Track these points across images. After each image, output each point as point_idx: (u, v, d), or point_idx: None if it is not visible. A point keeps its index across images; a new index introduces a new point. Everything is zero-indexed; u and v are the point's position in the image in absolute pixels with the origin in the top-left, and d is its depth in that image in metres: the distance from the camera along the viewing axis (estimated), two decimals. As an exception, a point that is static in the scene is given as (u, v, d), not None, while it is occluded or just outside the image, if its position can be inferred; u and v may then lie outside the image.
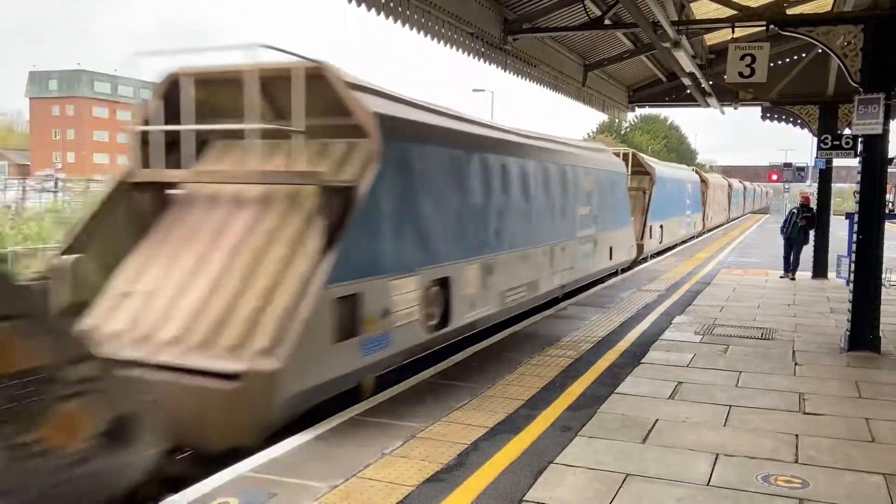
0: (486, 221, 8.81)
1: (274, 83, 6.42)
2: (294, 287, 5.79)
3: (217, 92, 6.77)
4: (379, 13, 7.94)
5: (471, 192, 8.38)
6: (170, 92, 6.74)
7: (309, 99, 6.08)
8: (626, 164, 17.84)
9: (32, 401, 3.16)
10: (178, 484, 4.52)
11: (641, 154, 21.93)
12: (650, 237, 20.13)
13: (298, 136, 6.19)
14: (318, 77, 6.28)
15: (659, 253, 21.57)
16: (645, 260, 19.62)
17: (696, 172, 31.69)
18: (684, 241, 25.90)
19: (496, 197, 9.06)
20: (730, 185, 43.44)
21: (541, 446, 5.23)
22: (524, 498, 4.36)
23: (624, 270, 16.65)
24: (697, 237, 29.42)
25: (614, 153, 17.27)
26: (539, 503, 4.30)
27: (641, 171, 20.36)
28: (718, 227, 37.28)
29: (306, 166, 6.33)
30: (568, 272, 12.13)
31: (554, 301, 11.50)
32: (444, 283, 7.74)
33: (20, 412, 3.11)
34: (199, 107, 6.58)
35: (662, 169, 22.77)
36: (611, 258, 15.00)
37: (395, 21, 8.27)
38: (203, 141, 7.18)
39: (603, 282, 14.62)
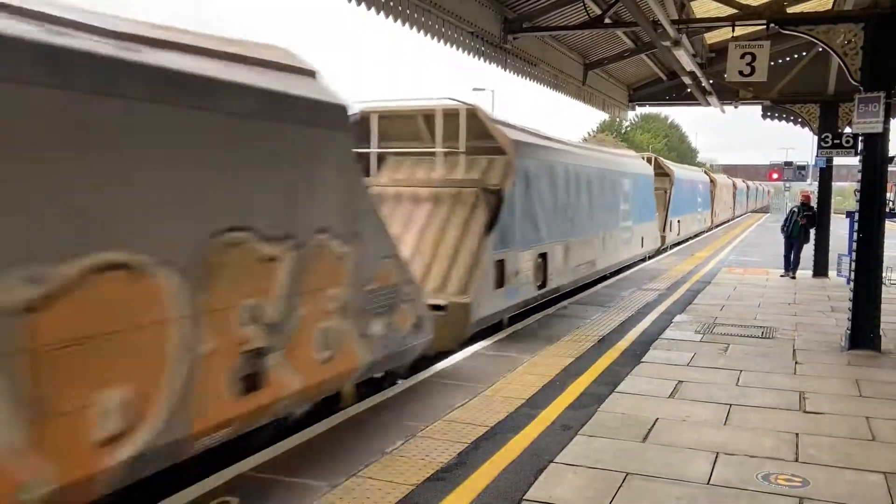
0: (566, 214, 11.91)
1: (433, 118, 9.45)
2: (470, 254, 8.90)
3: (392, 123, 9.82)
4: (379, 12, 7.93)
5: (558, 192, 11.45)
6: (360, 122, 9.49)
7: (465, 129, 9.25)
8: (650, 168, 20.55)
9: (394, 300, 6.40)
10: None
11: (662, 158, 24.89)
12: (670, 230, 23.20)
13: (461, 155, 9.38)
14: (472, 115, 9.36)
15: (677, 244, 24.38)
16: (666, 249, 22.36)
17: (706, 174, 35.06)
18: (696, 235, 28.69)
19: (571, 196, 12.14)
20: (734, 185, 46.05)
21: (541, 445, 5.23)
22: (524, 497, 4.36)
23: (651, 258, 19.59)
24: (707, 232, 31.89)
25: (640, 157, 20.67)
26: (539, 502, 4.30)
27: (663, 174, 23.11)
28: (725, 223, 40.00)
29: (468, 174, 9.54)
30: (613, 255, 15.33)
31: (568, 294, 12.49)
32: (544, 257, 10.90)
33: (389, 305, 6.33)
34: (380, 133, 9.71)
35: (679, 171, 25.71)
36: (642, 246, 18.30)
37: (396, 20, 8.26)
38: (380, 157, 10.06)
39: (631, 267, 17.11)
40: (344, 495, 4.33)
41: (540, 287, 10.81)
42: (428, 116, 9.55)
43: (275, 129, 4.92)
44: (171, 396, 4.04)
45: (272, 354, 4.84)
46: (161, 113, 4.04)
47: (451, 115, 9.33)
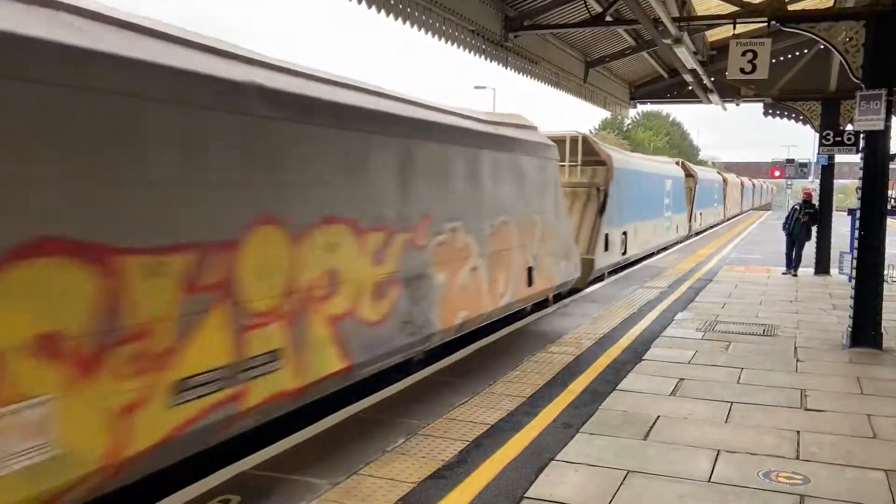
0: (636, 205, 17.75)
1: (568, 141, 14.83)
2: (591, 229, 14.66)
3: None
4: (380, 11, 7.93)
5: (632, 190, 17.03)
6: None
7: (582, 148, 14.88)
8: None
9: (568, 251, 12.35)
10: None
11: (688, 163, 30.82)
12: (695, 221, 28.95)
13: (578, 166, 15.02)
14: (584, 140, 15.24)
15: (699, 232, 29.68)
16: (691, 236, 27.38)
17: (719, 174, 40.98)
18: (712, 227, 33.78)
19: (640, 192, 18.15)
20: (742, 183, 51.89)
21: (542, 443, 5.23)
22: (525, 495, 4.36)
23: (679, 242, 24.63)
24: (721, 224, 37.10)
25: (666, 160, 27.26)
26: (540, 500, 4.30)
27: (689, 174, 28.09)
28: (735, 216, 45.62)
29: (586, 179, 15.20)
30: (661, 237, 21.44)
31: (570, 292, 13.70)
32: (625, 234, 16.57)
33: (566, 254, 12.07)
34: None
35: (701, 173, 31.82)
36: (677, 232, 24.14)
37: (397, 19, 8.26)
38: None
39: (667, 249, 22.00)
40: (345, 493, 4.33)
41: (623, 254, 16.60)
42: (560, 141, 13.75)
43: (531, 161, 10.42)
44: (516, 280, 9.71)
45: (535, 270, 10.38)
46: (506, 158, 9.55)
47: (574, 140, 14.89)
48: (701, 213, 29.81)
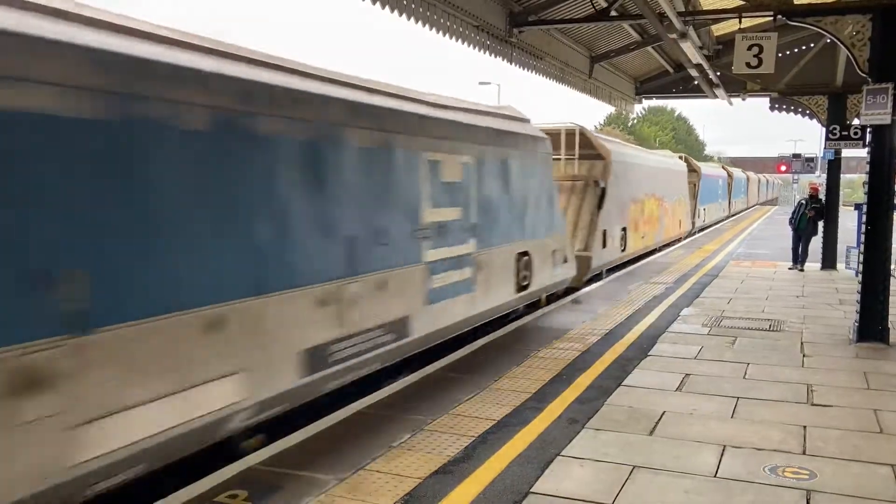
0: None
1: (562, 135, 14.54)
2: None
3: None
4: (384, 7, 7.93)
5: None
6: None
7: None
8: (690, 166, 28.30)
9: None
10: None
11: (691, 158, 31.08)
12: (698, 217, 29.45)
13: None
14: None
15: (702, 228, 29.99)
16: (694, 233, 27.75)
17: (724, 169, 41.79)
18: (717, 222, 34.50)
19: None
20: (748, 178, 52.27)
21: (548, 439, 5.24)
22: (531, 490, 4.37)
23: (685, 237, 25.30)
24: (726, 219, 37.85)
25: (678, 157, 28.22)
26: (546, 495, 4.31)
27: (691, 169, 28.16)
28: (741, 211, 45.93)
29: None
30: (667, 232, 21.98)
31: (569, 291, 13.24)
32: (624, 231, 16.28)
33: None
34: None
35: (705, 168, 32.96)
36: (679, 228, 24.39)
37: (401, 14, 8.26)
38: None
39: (669, 245, 22.30)
40: (351, 489, 4.35)
41: (622, 251, 16.31)
42: (554, 134, 13.37)
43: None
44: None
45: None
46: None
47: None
48: (705, 209, 30.16)
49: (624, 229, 16.13)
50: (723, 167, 41.98)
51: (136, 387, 4.00)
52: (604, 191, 14.46)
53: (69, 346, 3.62)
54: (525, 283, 9.80)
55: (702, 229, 29.35)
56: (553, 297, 11.61)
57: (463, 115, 8.34)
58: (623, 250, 16.24)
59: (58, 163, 3.66)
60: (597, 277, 14.29)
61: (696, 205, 27.80)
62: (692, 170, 27.63)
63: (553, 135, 12.65)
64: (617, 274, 14.96)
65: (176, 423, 4.27)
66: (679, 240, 23.85)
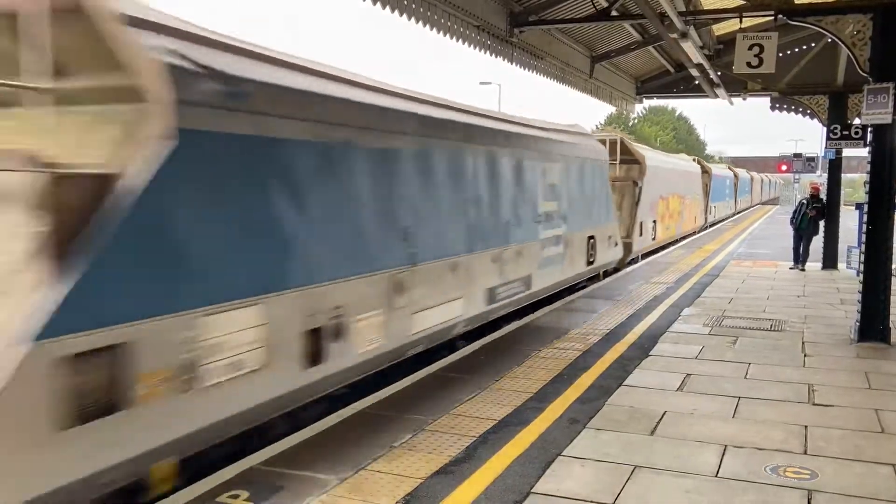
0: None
1: (606, 143, 15.78)
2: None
3: None
4: (385, 7, 7.94)
5: (660, 186, 19.80)
6: None
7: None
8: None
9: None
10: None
11: (702, 161, 34.11)
12: (710, 213, 32.01)
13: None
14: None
15: (713, 223, 32.46)
16: (706, 227, 30.68)
17: (730, 169, 44.62)
18: (725, 218, 37.02)
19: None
20: (752, 178, 55.61)
21: (549, 439, 5.24)
22: (532, 490, 4.37)
23: (696, 232, 28.03)
24: (732, 216, 41.01)
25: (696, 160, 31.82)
26: (547, 495, 4.31)
27: (704, 170, 30.64)
28: (746, 209, 49.77)
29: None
30: (684, 226, 24.84)
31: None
32: (654, 223, 19.43)
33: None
34: None
35: (715, 169, 35.93)
36: (695, 222, 27.24)
37: (402, 15, 8.27)
38: None
39: (687, 237, 24.73)
40: (352, 488, 4.35)
41: (653, 239, 19.39)
42: (601, 142, 14.98)
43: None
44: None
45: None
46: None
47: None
48: (715, 206, 32.84)
49: (654, 222, 19.51)
50: (729, 168, 43.91)
51: (431, 297, 7.21)
52: (640, 190, 17.57)
53: (410, 271, 6.82)
54: (591, 260, 13.08)
55: (713, 224, 32.25)
56: (607, 274, 14.78)
57: (555, 135, 11.52)
58: (654, 239, 19.57)
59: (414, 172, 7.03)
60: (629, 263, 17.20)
61: (708, 202, 30.89)
62: (704, 171, 30.50)
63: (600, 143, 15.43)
64: (618, 274, 14.96)
65: (441, 321, 7.50)
66: (694, 232, 26.98)
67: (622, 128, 65.77)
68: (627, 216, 17.05)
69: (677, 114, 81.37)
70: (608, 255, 14.05)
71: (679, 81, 16.96)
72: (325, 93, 5.74)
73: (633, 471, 4.67)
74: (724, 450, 5.05)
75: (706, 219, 30.44)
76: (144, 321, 3.92)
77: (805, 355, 7.91)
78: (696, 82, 15.17)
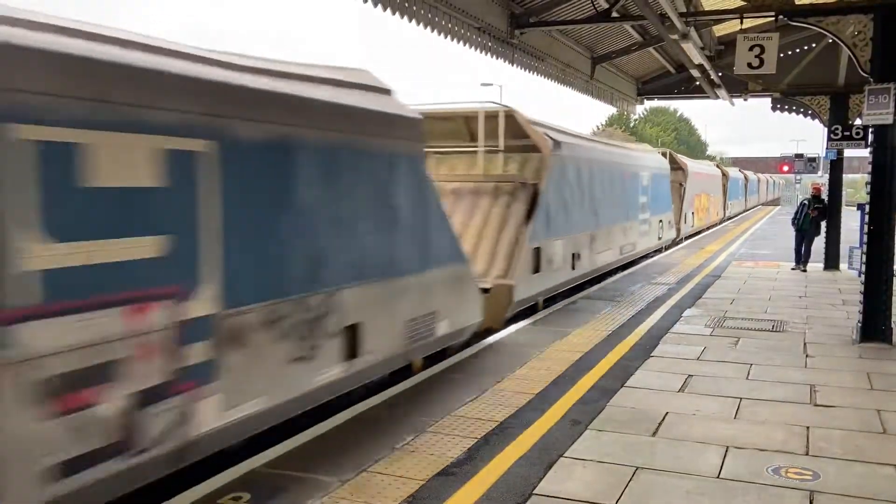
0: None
1: (476, 120, 10.58)
2: (678, 210, 22.50)
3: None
4: (386, 9, 7.95)
5: (697, 186, 26.59)
6: None
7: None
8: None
9: None
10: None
11: (722, 165, 39.34)
12: (685, 223, 32.08)
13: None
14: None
15: (691, 235, 31.41)
16: (741, 213, 38.42)
17: (741, 172, 47.96)
18: (710, 227, 36.49)
19: (697, 187, 27.25)
20: (759, 179, 60.24)
21: (550, 440, 5.24)
22: (534, 491, 4.37)
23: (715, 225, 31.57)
24: (743, 213, 44.33)
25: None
26: (549, 496, 4.31)
27: (676, 167, 30.61)
28: (754, 207, 53.41)
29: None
30: (635, 245, 21.82)
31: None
32: (692, 214, 25.50)
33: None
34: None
35: (732, 172, 39.57)
36: (658, 238, 25.62)
37: (403, 17, 8.28)
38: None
39: (648, 257, 21.51)
40: (354, 490, 4.36)
41: (692, 226, 23.39)
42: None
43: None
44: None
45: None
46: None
47: (490, 116, 10.51)
48: (730, 203, 35.48)
49: (692, 213, 25.26)
50: (717, 165, 44.25)
51: (604, 246, 13.11)
52: (685, 189, 23.72)
53: (594, 232, 13.09)
54: (659, 237, 18.94)
55: (729, 218, 37.15)
56: (667, 248, 19.71)
57: (643, 155, 17.01)
58: (692, 226, 24.96)
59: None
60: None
61: (725, 199, 35.60)
62: (723, 174, 35.81)
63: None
64: (620, 274, 14.95)
65: (605, 261, 13.71)
66: (715, 225, 32.02)
67: (623, 129, 65.80)
68: (677, 209, 21.83)
69: (678, 115, 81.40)
70: (669, 234, 20.36)
71: (680, 82, 16.97)
72: None
73: (634, 472, 4.67)
74: (726, 451, 5.05)
75: (724, 213, 35.62)
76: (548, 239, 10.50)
77: (807, 356, 7.91)
78: (697, 83, 15.18)
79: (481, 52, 10.16)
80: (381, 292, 6.16)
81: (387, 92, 6.56)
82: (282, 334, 4.93)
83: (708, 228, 29.34)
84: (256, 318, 4.70)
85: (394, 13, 8.11)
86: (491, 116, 10.50)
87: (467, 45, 9.75)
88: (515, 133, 10.62)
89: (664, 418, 5.75)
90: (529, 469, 4.70)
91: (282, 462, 4.85)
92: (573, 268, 12.12)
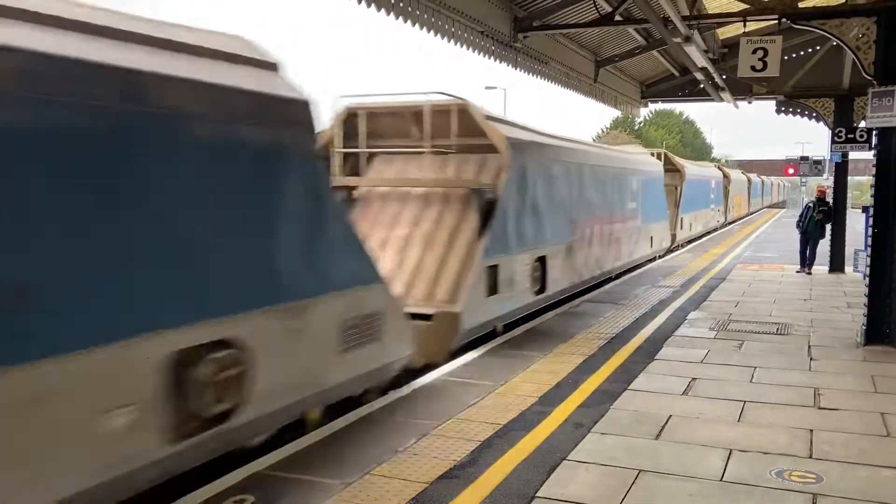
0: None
1: (422, 115, 8.88)
2: (673, 215, 21.65)
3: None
4: (388, 13, 7.98)
5: (735, 188, 37.97)
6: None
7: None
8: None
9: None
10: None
11: (724, 167, 40.09)
12: (680, 229, 32.82)
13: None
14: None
15: (689, 241, 31.33)
16: (760, 209, 48.03)
17: (745, 175, 50.09)
18: (707, 233, 36.81)
19: (735, 189, 37.96)
20: (762, 182, 63.80)
21: (553, 443, 5.24)
22: (537, 494, 4.38)
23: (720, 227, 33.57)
24: (749, 215, 46.73)
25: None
26: (552, 499, 4.32)
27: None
28: (761, 209, 56.55)
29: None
30: (751, 208, 43.07)
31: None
32: (692, 218, 25.71)
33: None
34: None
35: (734, 174, 40.87)
36: (651, 246, 24.68)
37: (405, 21, 8.31)
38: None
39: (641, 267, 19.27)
40: (357, 493, 4.37)
41: (731, 217, 34.85)
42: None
43: (717, 180, 29.68)
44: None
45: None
46: None
47: (440, 111, 8.88)
48: (752, 201, 41.17)
49: (732, 208, 34.50)
50: (718, 167, 45.74)
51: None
52: (728, 191, 32.79)
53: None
54: (651, 246, 17.96)
55: (752, 213, 46.60)
56: (660, 256, 19.43)
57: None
58: (689, 232, 25.46)
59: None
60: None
61: (749, 198, 43.75)
62: (748, 179, 45.14)
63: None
64: (623, 278, 14.94)
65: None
66: (741, 217, 39.74)
67: (628, 132, 65.76)
68: (672, 215, 21.68)
69: (684, 117, 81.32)
70: (662, 243, 19.64)
71: (684, 85, 16.97)
72: None
73: (637, 475, 4.67)
74: (730, 454, 5.05)
75: (748, 209, 45.36)
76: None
77: (811, 359, 7.89)
78: (701, 86, 15.18)
79: (484, 56, 10.19)
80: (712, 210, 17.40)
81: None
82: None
83: (707, 234, 28.27)
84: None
85: (397, 17, 8.15)
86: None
87: (470, 48, 9.78)
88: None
89: (668, 421, 5.74)
90: (532, 472, 4.70)
91: (285, 464, 4.87)
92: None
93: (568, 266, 11.36)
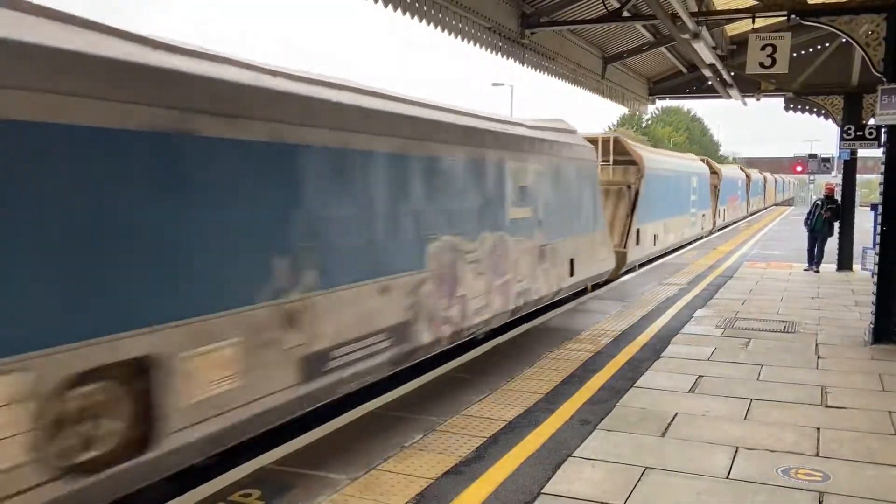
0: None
1: (597, 143, 15.56)
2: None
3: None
4: (396, 9, 7.97)
5: (759, 188, 49.07)
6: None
7: (614, 148, 17.14)
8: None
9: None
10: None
11: (743, 167, 45.04)
12: (718, 217, 34.93)
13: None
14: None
15: (722, 228, 34.43)
16: (777, 203, 58.04)
17: (742, 170, 51.01)
18: (734, 222, 39.86)
19: (760, 188, 48.88)
20: (774, 181, 66.42)
21: (560, 440, 5.24)
22: (543, 490, 4.38)
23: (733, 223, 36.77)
24: (763, 210, 51.04)
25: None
26: (558, 496, 4.32)
27: (712, 171, 34.08)
28: (771, 206, 59.72)
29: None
30: (770, 202, 55.00)
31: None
32: (657, 228, 19.34)
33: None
34: None
35: (724, 169, 41.80)
36: (702, 228, 28.60)
37: (413, 17, 8.30)
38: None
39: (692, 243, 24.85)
40: (363, 488, 4.38)
41: (754, 208, 41.86)
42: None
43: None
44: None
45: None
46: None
47: (605, 140, 16.39)
48: (725, 209, 36.26)
49: (749, 201, 40.16)
50: (741, 168, 48.54)
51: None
52: (717, 191, 30.42)
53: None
54: (702, 227, 24.71)
55: (774, 205, 54.29)
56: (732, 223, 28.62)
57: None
58: (724, 220, 31.23)
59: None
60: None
61: (716, 205, 41.08)
62: (765, 180, 51.63)
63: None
64: (628, 276, 14.92)
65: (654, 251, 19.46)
66: (759, 210, 45.95)
67: (635, 129, 65.63)
68: (713, 206, 28.27)
69: (691, 114, 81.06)
70: (707, 226, 26.56)
71: (692, 82, 16.89)
72: None
73: (643, 472, 4.67)
74: (736, 451, 5.04)
75: (765, 204, 51.98)
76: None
77: (818, 357, 7.87)
78: (709, 83, 15.10)
79: (491, 52, 10.16)
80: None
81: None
82: None
83: (759, 212, 40.67)
84: None
85: (404, 13, 8.13)
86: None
87: (477, 44, 9.76)
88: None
89: (674, 419, 5.73)
90: (538, 468, 4.71)
91: (291, 459, 4.89)
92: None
93: (667, 233, 20.01)
